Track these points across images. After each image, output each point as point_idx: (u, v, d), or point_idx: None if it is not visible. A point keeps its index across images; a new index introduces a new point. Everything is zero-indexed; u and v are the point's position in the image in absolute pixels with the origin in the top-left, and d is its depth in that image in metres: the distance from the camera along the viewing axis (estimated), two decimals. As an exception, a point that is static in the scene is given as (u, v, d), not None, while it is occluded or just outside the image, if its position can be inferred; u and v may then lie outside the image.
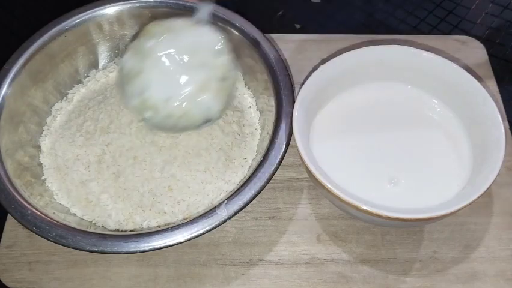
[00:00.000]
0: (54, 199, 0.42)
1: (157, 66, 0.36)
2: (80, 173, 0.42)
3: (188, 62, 0.36)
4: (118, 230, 0.40)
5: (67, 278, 0.41)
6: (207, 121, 0.38)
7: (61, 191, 0.42)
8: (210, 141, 0.42)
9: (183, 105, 0.36)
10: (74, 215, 0.41)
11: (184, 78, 0.36)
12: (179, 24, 0.38)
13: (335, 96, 0.45)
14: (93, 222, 0.41)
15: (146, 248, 0.36)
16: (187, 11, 0.47)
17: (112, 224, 0.40)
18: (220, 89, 0.37)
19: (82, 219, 0.41)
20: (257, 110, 0.47)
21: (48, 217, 0.38)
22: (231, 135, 0.44)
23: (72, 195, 0.42)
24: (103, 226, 0.40)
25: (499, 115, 0.40)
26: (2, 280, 0.41)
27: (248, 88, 0.48)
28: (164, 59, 0.36)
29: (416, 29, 0.61)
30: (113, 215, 0.40)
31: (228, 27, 0.46)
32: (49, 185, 0.43)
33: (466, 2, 0.64)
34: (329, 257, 0.42)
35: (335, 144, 0.43)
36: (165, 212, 0.40)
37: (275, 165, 0.39)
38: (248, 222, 0.43)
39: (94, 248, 0.36)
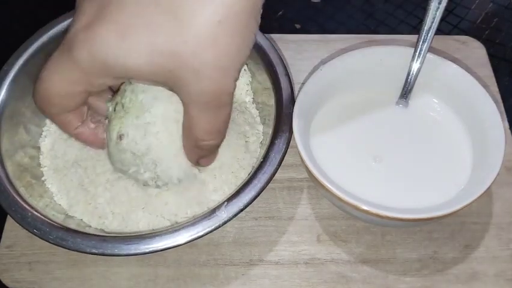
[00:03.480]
0: (54, 200, 0.42)
1: (162, 139, 0.35)
2: (77, 175, 0.42)
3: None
4: (116, 233, 0.40)
5: (67, 278, 0.41)
6: None
7: (60, 192, 0.42)
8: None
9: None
10: (74, 216, 0.41)
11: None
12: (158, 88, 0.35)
13: (335, 96, 0.45)
14: (92, 224, 0.41)
15: (147, 250, 0.36)
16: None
17: (110, 227, 0.40)
18: None
19: (81, 220, 0.41)
20: (257, 110, 0.47)
21: (49, 219, 0.37)
22: (239, 137, 0.43)
23: (71, 196, 0.41)
24: (101, 229, 0.40)
25: (499, 115, 0.40)
26: (2, 280, 0.41)
27: (248, 88, 0.48)
28: (167, 127, 0.35)
29: (416, 29, 0.61)
30: (110, 218, 0.40)
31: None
32: (49, 186, 0.43)
33: (466, 2, 0.64)
34: (329, 257, 0.42)
35: (335, 144, 0.43)
36: (164, 218, 0.40)
37: (275, 166, 0.39)
38: (248, 222, 0.43)
39: (94, 250, 0.36)
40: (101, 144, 0.38)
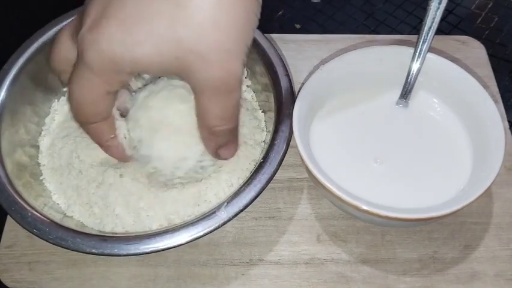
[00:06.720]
0: (52, 199, 0.42)
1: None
2: (72, 176, 0.42)
3: None
4: (114, 233, 0.40)
5: (67, 278, 0.41)
6: None
7: (58, 192, 0.42)
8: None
9: None
10: (71, 216, 0.41)
11: None
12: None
13: (335, 96, 0.45)
14: (88, 224, 0.40)
15: (147, 250, 0.36)
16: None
17: (106, 228, 0.40)
18: None
19: (78, 221, 0.41)
20: (257, 110, 0.47)
21: (49, 219, 0.37)
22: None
23: (68, 196, 0.41)
24: (98, 229, 0.40)
25: (499, 115, 0.40)
26: (2, 280, 0.41)
27: (248, 88, 0.48)
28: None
29: (416, 29, 0.61)
30: (106, 219, 0.40)
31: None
32: (47, 185, 0.43)
33: (466, 2, 0.64)
34: (329, 257, 0.42)
35: (335, 144, 0.43)
36: (161, 220, 0.40)
37: (275, 166, 0.39)
38: (248, 222, 0.43)
39: (94, 250, 0.36)
40: (125, 159, 0.39)
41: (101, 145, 0.37)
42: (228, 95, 0.31)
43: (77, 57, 0.31)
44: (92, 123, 0.35)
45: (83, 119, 0.34)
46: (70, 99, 0.33)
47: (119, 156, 0.39)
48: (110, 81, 0.31)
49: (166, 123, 0.38)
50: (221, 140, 0.35)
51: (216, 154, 0.36)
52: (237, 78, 0.30)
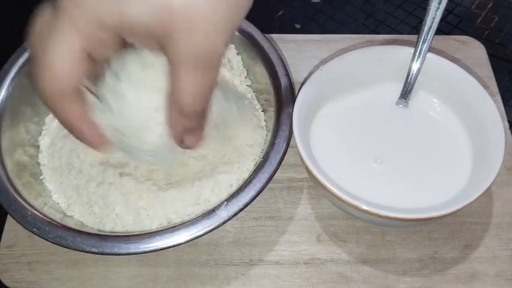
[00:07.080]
0: (52, 199, 0.42)
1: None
2: (72, 175, 0.42)
3: None
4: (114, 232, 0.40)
5: (67, 278, 0.41)
6: None
7: (58, 191, 0.42)
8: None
9: None
10: (71, 216, 0.41)
11: None
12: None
13: (335, 96, 0.45)
14: (88, 223, 0.40)
15: (147, 249, 0.36)
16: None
17: (106, 227, 0.40)
18: None
19: (78, 220, 0.41)
20: (257, 109, 0.47)
21: (49, 218, 0.37)
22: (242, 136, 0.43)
23: (68, 195, 0.41)
24: (98, 229, 0.40)
25: (499, 115, 0.40)
26: (2, 280, 0.41)
27: (248, 88, 0.48)
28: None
29: (416, 29, 0.61)
30: (105, 219, 0.40)
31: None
32: (47, 185, 0.43)
33: (466, 2, 0.64)
34: (329, 257, 0.42)
35: (335, 144, 0.43)
36: (161, 219, 0.40)
37: (275, 166, 0.39)
38: (248, 222, 0.43)
39: (93, 249, 0.36)
40: (103, 144, 0.34)
41: (73, 128, 0.32)
42: (207, 71, 0.30)
43: (52, 15, 0.29)
44: (63, 99, 0.31)
45: (54, 87, 0.30)
46: (40, 65, 0.30)
47: (98, 140, 0.34)
48: (91, 37, 0.29)
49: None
50: (188, 123, 0.33)
51: (181, 140, 0.34)
52: (219, 54, 0.29)
